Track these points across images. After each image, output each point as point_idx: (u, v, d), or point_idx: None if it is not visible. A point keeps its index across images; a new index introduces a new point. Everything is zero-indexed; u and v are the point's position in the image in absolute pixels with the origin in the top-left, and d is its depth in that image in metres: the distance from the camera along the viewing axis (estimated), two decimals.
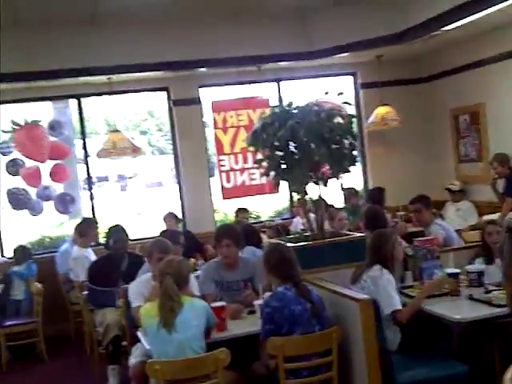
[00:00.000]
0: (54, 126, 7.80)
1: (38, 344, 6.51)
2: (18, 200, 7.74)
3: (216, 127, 8.12)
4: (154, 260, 4.25)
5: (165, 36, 7.14)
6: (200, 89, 8.02)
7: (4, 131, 7.67)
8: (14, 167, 7.68)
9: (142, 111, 25.31)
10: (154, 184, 26.01)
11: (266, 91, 8.42)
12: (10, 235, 8.13)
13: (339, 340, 3.57)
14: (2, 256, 7.67)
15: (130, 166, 28.28)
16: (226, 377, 3.49)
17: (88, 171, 8.02)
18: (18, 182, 7.69)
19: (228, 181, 8.10)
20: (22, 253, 7.14)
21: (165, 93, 8.07)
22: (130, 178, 27.65)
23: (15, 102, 7.90)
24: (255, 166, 6.48)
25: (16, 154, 7.66)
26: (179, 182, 8.16)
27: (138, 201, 20.73)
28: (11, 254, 7.32)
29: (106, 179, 24.63)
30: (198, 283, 4.46)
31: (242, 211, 7.68)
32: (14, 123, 7.54)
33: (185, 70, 7.43)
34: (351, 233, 5.06)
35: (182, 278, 3.68)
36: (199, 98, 8.02)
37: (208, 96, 8.20)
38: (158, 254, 4.24)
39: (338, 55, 7.54)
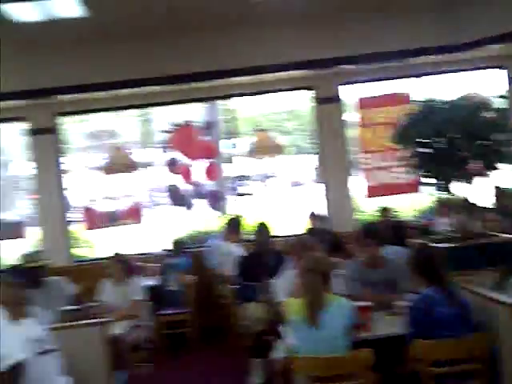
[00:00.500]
0: (207, 126, 8.24)
1: (191, 333, 6.87)
2: (174, 196, 8.28)
3: (361, 124, 8.08)
4: (299, 257, 4.34)
5: (309, 34, 7.21)
6: (342, 86, 7.98)
7: (163, 131, 8.23)
8: (172, 165, 8.23)
9: (283, 111, 25.76)
10: (294, 183, 26.37)
11: (406, 86, 8.20)
12: (168, 229, 8.65)
13: (489, 347, 3.43)
14: (160, 249, 8.20)
15: (271, 165, 28.90)
16: (369, 377, 3.49)
17: (236, 170, 8.33)
18: (175, 180, 8.22)
19: (372, 179, 8.02)
20: (177, 246, 7.58)
21: (308, 92, 8.15)
22: (271, 177, 28.23)
23: (173, 104, 8.41)
24: (400, 163, 6.34)
25: (173, 153, 8.20)
26: (323, 181, 8.20)
27: (280, 199, 21.07)
28: (168, 247, 7.82)
29: (249, 178, 25.38)
30: (340, 282, 4.48)
31: (385, 210, 7.57)
32: (171, 123, 8.09)
33: (328, 68, 7.44)
34: (501, 234, 4.80)
35: (325, 276, 3.71)
36: (340, 95, 7.96)
37: (347, 93, 8.15)
38: (303, 252, 4.32)
39: (486, 47, 7.10)
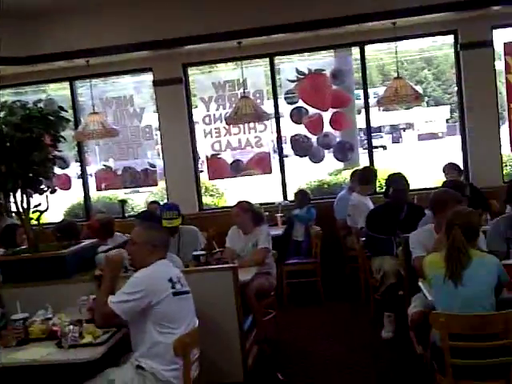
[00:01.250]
0: (337, 75, 7.96)
1: (316, 284, 6.84)
2: (300, 147, 8.15)
3: (508, 72, 7.41)
4: (448, 210, 4.03)
5: None
6: (493, 30, 7.36)
7: (289, 80, 8.07)
8: (297, 115, 8.09)
9: (418, 60, 24.60)
10: (428, 136, 25.31)
11: None
12: (293, 180, 8.60)
13: None
14: (285, 199, 8.18)
15: (403, 117, 28.01)
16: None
17: (368, 120, 8.02)
18: (301, 130, 8.08)
19: None
20: (302, 197, 7.52)
21: (451, 36, 7.60)
22: (403, 129, 27.32)
23: (298, 53, 8.22)
24: None
25: (300, 103, 8.04)
26: (462, 134, 7.70)
27: (413, 152, 20.39)
28: (293, 198, 7.78)
29: (379, 130, 24.71)
30: (482, 239, 4.16)
31: None
32: (298, 72, 7.89)
33: (476, 9, 6.87)
34: None
35: (471, 231, 3.48)
36: (492, 40, 7.37)
37: (499, 38, 7.48)
38: (453, 205, 4.01)
39: None
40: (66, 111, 4.71)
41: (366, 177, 6.85)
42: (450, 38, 7.70)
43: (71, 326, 3.41)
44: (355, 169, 7.68)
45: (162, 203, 7.27)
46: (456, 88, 7.79)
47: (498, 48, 7.53)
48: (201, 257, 4.88)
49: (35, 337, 3.53)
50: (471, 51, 7.38)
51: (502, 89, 7.70)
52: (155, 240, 3.45)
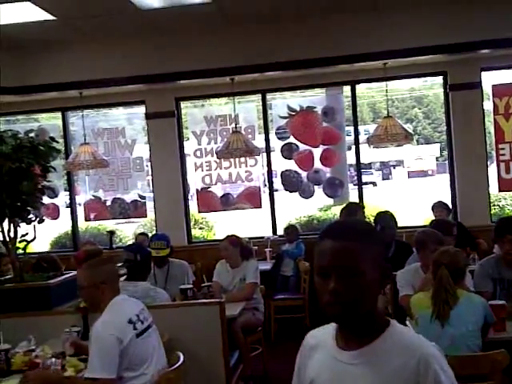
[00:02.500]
0: (327, 112, 8.04)
1: (303, 320, 6.79)
2: (290, 182, 8.19)
3: (497, 113, 7.53)
4: (428, 251, 4.09)
5: (442, 18, 6.85)
6: (482, 72, 7.49)
7: (281, 117, 8.14)
8: (288, 151, 8.14)
9: (409, 98, 24.95)
10: (418, 173, 25.53)
11: None
12: (282, 215, 8.61)
13: None
14: (274, 234, 8.17)
15: (393, 154, 28.28)
16: (499, 380, 3.20)
17: (358, 157, 8.09)
18: (292, 165, 8.13)
19: (507, 171, 7.48)
20: (292, 232, 7.54)
21: (440, 77, 7.74)
22: (393, 166, 27.53)
23: (289, 90, 8.34)
24: None
25: (291, 139, 8.10)
26: (451, 172, 7.77)
27: (402, 189, 20.51)
28: (282, 233, 7.77)
29: (369, 167, 24.87)
30: (468, 279, 4.18)
31: None
32: (290, 109, 7.97)
33: (465, 52, 7.02)
34: None
35: (458, 270, 3.50)
36: (480, 82, 7.50)
37: (488, 80, 7.62)
38: (432, 245, 4.07)
39: None
40: (57, 142, 4.73)
41: (352, 213, 6.86)
42: (440, 78, 7.83)
43: (53, 359, 3.36)
44: (344, 205, 7.72)
45: (150, 235, 7.25)
46: (445, 127, 7.90)
47: (487, 89, 7.66)
48: (188, 291, 4.85)
49: (17, 368, 3.48)
50: (460, 92, 7.49)
51: (491, 128, 7.80)
52: (100, 277, 3.27)
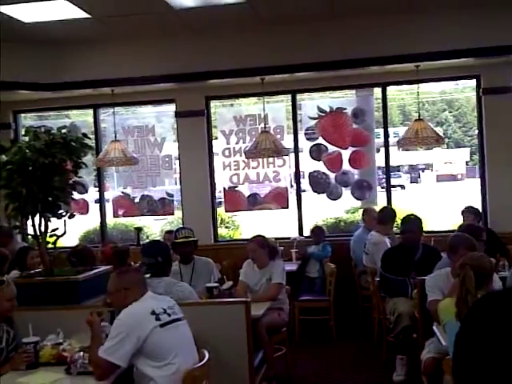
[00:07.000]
0: (357, 114, 8.00)
1: (328, 322, 6.77)
2: (318, 183, 8.16)
3: None
4: (458, 256, 4.04)
5: (477, 21, 6.76)
6: None
7: (310, 117, 8.12)
8: (317, 152, 8.11)
9: (440, 101, 24.68)
10: (447, 177, 25.25)
11: None
12: (309, 216, 8.59)
13: None
14: (301, 235, 8.16)
15: (422, 157, 28.04)
16: None
17: (387, 159, 8.02)
18: (320, 166, 8.10)
19: None
20: (318, 234, 7.51)
21: (474, 81, 7.64)
22: (421, 169, 27.27)
23: (319, 91, 8.32)
24: None
25: (320, 140, 8.08)
26: (482, 177, 7.67)
27: (431, 193, 20.32)
28: (308, 234, 7.76)
29: (397, 169, 24.68)
30: (498, 286, 4.12)
31: None
32: (319, 110, 7.95)
33: (499, 56, 6.92)
34: None
35: (483, 274, 3.44)
36: None
37: None
38: (462, 250, 4.02)
39: None
40: (90, 138, 4.78)
41: (384, 217, 6.82)
42: (472, 82, 7.74)
43: (81, 353, 3.41)
44: (365, 208, 7.69)
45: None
46: (477, 131, 7.79)
47: None
48: (214, 289, 4.86)
49: (45, 361, 3.53)
50: (493, 96, 7.39)
51: None
52: (124, 283, 3.53)
